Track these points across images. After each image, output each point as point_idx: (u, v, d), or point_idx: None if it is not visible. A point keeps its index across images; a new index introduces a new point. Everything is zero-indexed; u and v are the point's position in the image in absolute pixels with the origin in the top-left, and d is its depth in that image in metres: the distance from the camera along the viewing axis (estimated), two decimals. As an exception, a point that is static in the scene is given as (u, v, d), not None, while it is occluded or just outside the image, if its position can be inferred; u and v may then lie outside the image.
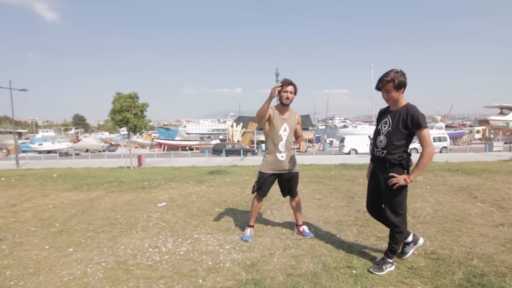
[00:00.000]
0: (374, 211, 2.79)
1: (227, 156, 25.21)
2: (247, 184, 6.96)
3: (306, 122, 38.57)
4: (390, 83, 2.42)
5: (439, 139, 24.73)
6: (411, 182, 2.44)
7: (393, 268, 2.55)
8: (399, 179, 2.44)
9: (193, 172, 10.24)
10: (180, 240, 3.44)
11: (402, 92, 2.47)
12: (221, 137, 44.17)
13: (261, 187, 3.38)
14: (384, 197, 2.60)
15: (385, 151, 2.51)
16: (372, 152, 2.68)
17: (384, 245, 3.05)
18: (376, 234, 3.39)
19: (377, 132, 2.63)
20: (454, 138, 33.58)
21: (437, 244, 3.07)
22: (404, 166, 2.50)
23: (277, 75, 24.01)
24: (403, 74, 2.43)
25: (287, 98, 3.20)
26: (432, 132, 29.50)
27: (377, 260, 2.65)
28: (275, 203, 4.90)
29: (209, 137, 46.93)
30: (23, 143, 40.05)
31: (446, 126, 42.67)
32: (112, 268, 2.78)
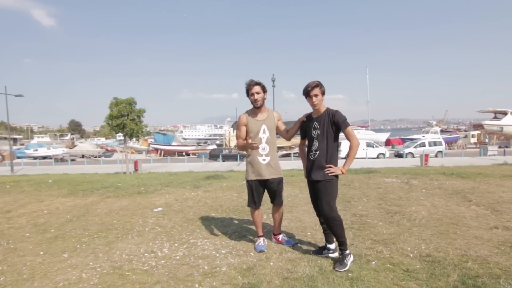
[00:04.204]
0: (318, 210, 2.97)
1: (224, 161, 25.17)
2: (243, 189, 6.95)
3: None
4: (318, 88, 2.76)
5: (434, 144, 24.89)
6: (345, 172, 2.78)
7: (352, 258, 2.75)
8: (335, 169, 2.75)
9: (190, 177, 10.22)
10: (176, 245, 3.43)
11: (323, 99, 2.82)
12: (218, 142, 44.13)
13: (253, 198, 3.20)
14: (322, 195, 2.78)
15: (318, 152, 2.79)
16: (308, 157, 2.93)
17: (380, 248, 3.07)
18: (372, 238, 3.40)
19: (310, 139, 2.90)
20: (449, 143, 33.83)
21: (432, 247, 3.09)
22: (334, 163, 2.81)
23: (273, 81, 24.18)
24: (322, 84, 2.81)
25: (256, 100, 3.08)
26: (427, 137, 29.74)
27: (338, 257, 2.78)
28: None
29: (205, 142, 46.86)
30: (18, 149, 39.69)
31: (441, 131, 42.99)
32: (107, 274, 2.76)
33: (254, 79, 3.15)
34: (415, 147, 24.27)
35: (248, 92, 3.11)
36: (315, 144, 2.82)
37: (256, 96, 3.08)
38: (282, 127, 3.26)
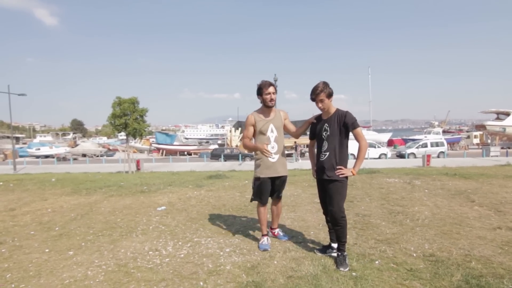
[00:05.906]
0: (326, 209, 3.01)
1: (225, 161, 25.20)
2: (246, 188, 6.97)
3: None
4: (322, 93, 2.76)
5: (437, 144, 24.82)
6: (355, 173, 2.79)
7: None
8: (346, 171, 2.78)
9: (192, 177, 10.25)
10: (180, 243, 3.45)
11: (331, 100, 2.82)
12: (219, 142, 44.16)
13: (262, 194, 3.24)
14: (333, 195, 2.80)
15: (328, 153, 2.81)
16: (317, 157, 2.94)
17: (383, 248, 3.08)
18: (375, 237, 3.41)
19: (319, 140, 2.92)
20: (452, 143, 33.72)
21: (436, 246, 3.10)
22: (344, 164, 2.82)
23: (275, 81, 24.21)
24: (328, 85, 2.79)
25: (271, 100, 3.17)
26: (429, 138, 29.66)
27: (337, 257, 2.77)
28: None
29: (207, 142, 46.96)
30: (21, 147, 39.85)
31: (443, 132, 42.85)
32: (113, 271, 2.79)
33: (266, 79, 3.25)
34: (417, 147, 24.21)
35: (262, 91, 3.17)
36: (325, 145, 2.84)
37: (273, 96, 3.18)
38: (290, 125, 3.35)
